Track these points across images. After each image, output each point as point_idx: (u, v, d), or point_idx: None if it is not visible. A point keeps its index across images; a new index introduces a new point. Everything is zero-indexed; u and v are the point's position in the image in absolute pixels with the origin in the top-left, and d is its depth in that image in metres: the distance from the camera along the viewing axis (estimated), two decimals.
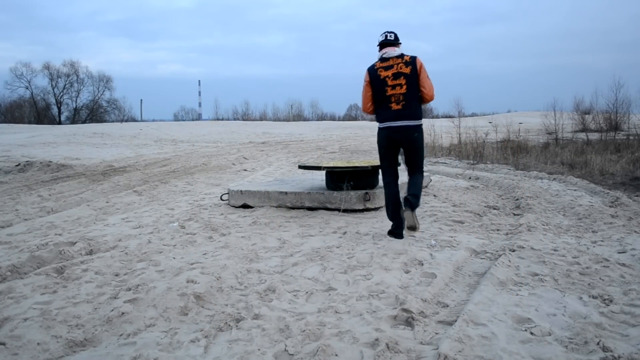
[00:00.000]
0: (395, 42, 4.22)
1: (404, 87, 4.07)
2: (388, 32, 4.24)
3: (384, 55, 4.19)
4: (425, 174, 7.80)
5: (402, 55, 4.15)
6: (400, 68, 4.09)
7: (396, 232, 4.25)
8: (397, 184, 4.34)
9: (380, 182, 5.95)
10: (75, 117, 50.89)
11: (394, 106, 4.12)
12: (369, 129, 27.74)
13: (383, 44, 4.25)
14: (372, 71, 4.22)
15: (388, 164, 4.37)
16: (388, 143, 4.26)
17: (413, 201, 4.09)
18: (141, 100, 63.81)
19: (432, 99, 4.16)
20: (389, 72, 4.12)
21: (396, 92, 4.10)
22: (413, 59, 4.11)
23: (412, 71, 4.06)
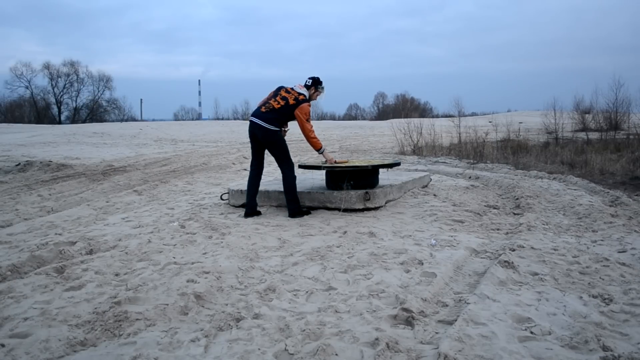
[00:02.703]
0: (307, 85, 5.30)
1: (279, 105, 5.18)
2: (310, 77, 5.34)
3: (293, 86, 5.33)
4: (425, 173, 7.80)
5: (299, 94, 5.20)
6: (291, 97, 5.18)
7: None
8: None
9: (381, 182, 5.96)
10: (75, 117, 50.87)
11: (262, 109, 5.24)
12: (369, 128, 27.73)
13: (307, 82, 5.39)
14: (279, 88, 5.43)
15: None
16: None
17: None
18: (141, 99, 63.84)
19: (306, 138, 5.22)
20: (283, 93, 5.25)
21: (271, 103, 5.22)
22: (299, 101, 5.14)
23: (292, 105, 5.14)
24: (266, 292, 3.01)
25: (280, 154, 5.20)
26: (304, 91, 5.24)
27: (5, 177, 8.77)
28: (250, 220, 5.08)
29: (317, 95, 5.36)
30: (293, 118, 5.18)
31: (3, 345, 2.34)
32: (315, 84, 5.31)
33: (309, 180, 6.59)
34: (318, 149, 5.30)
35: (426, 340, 2.37)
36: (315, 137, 5.22)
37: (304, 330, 2.47)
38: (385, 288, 3.02)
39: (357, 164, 5.74)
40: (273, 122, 5.12)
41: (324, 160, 5.56)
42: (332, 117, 60.57)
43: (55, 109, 51.55)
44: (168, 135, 19.66)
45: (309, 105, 5.22)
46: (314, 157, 12.35)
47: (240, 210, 5.54)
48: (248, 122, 5.34)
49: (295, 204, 5.20)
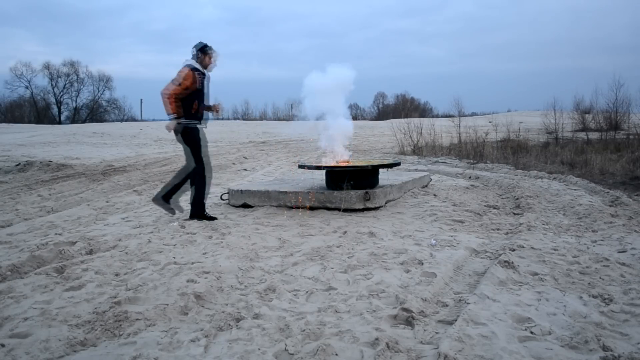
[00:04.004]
0: (196, 56, 4.90)
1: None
2: (193, 47, 4.89)
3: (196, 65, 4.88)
4: (425, 173, 7.80)
5: (181, 69, 4.83)
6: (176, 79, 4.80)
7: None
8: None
9: (381, 182, 5.96)
10: (75, 117, 50.84)
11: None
12: (369, 128, 27.72)
13: (193, 54, 4.90)
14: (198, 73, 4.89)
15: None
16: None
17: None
18: (141, 99, 63.71)
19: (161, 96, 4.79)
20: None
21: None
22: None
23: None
24: (266, 292, 3.01)
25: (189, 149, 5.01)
26: (188, 63, 4.87)
27: (5, 177, 8.77)
28: (250, 220, 5.07)
29: (212, 59, 4.98)
30: (195, 95, 4.88)
31: (3, 345, 2.34)
32: (201, 50, 4.90)
33: (309, 180, 6.59)
34: (167, 113, 4.86)
35: (426, 340, 2.37)
36: (170, 99, 4.78)
37: (304, 330, 2.47)
38: (385, 288, 3.02)
39: (357, 163, 5.75)
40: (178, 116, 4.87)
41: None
42: None
43: (55, 109, 51.56)
44: (168, 135, 19.64)
45: (190, 70, 4.81)
46: (314, 157, 12.35)
47: (240, 210, 5.54)
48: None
49: (171, 188, 5.10)
